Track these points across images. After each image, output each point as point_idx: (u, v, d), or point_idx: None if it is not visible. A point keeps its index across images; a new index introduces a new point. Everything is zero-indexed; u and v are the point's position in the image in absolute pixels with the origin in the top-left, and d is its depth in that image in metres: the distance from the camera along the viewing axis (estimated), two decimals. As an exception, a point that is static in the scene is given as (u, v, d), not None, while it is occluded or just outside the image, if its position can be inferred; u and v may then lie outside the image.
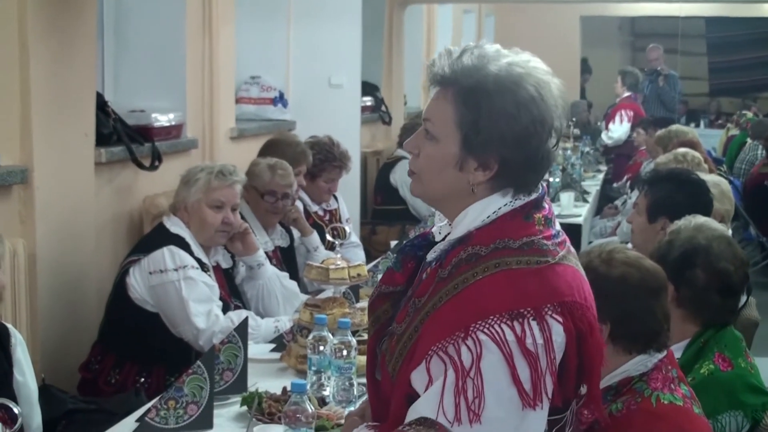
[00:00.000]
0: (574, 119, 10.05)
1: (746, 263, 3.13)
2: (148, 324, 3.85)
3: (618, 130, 10.91)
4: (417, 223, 5.70)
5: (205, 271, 3.91)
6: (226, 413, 2.89)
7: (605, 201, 9.17)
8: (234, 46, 5.73)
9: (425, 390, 1.88)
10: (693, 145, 6.42)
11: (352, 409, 2.67)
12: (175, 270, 3.80)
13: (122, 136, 4.47)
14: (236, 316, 3.82)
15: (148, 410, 2.71)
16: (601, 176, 9.74)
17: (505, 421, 1.84)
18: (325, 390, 2.94)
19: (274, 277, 4.32)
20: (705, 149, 7.42)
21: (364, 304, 3.28)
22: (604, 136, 11.13)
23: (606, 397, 2.45)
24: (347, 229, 4.51)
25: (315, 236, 5.03)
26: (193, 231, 3.97)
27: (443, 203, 2.03)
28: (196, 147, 5.24)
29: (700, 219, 3.20)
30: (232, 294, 4.19)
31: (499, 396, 1.83)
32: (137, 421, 2.77)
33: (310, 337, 3.00)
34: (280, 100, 6.40)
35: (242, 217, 4.27)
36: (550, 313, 1.86)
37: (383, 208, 7.25)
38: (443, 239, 2.04)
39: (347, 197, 6.00)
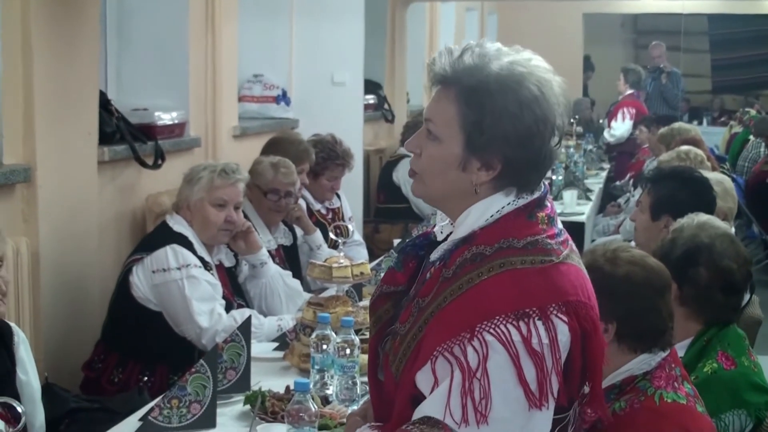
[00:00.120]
0: (576, 117, 10.06)
1: (749, 261, 3.13)
2: (151, 323, 3.85)
3: (620, 127, 10.91)
4: (420, 221, 5.69)
5: (208, 270, 3.91)
6: (229, 412, 2.89)
7: (608, 199, 9.16)
8: (237, 44, 5.73)
9: (431, 391, 1.88)
10: (696, 142, 6.42)
11: (355, 407, 2.67)
12: (178, 269, 3.80)
13: (125, 135, 4.47)
14: (239, 314, 3.82)
15: (151, 409, 2.72)
16: (604, 174, 9.72)
17: (512, 422, 1.84)
18: (328, 389, 2.94)
19: (277, 275, 4.32)
20: (708, 147, 7.42)
21: (367, 302, 3.27)
22: (606, 133, 11.13)
23: (609, 395, 2.45)
24: (350, 227, 4.50)
25: (318, 234, 5.03)
26: (196, 229, 3.97)
27: (445, 203, 2.03)
28: (199, 145, 5.24)
29: (702, 217, 3.19)
30: (235, 293, 4.19)
31: (505, 396, 1.83)
32: (140, 420, 2.76)
33: (313, 335, 2.99)
34: (283, 98, 6.40)
35: (245, 216, 4.27)
36: (555, 312, 1.86)
37: (386, 206, 7.25)
38: (445, 239, 2.04)
39: (350, 195, 6.00)
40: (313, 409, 2.37)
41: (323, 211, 5.48)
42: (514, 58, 1.95)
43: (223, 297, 3.92)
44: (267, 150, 5.13)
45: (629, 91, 11.10)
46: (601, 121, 12.07)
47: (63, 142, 4.01)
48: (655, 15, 15.08)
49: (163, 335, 3.84)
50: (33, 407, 2.92)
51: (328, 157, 5.42)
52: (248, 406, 2.85)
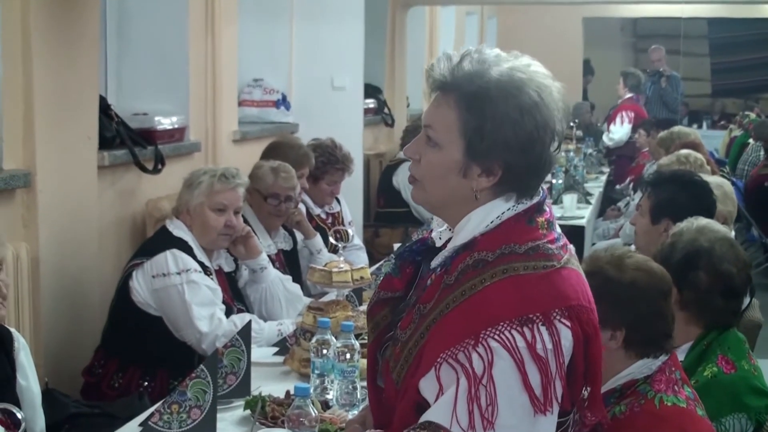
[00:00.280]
0: (576, 121, 10.07)
1: (749, 265, 3.13)
2: (151, 328, 3.85)
3: (618, 131, 10.91)
4: (420, 226, 5.68)
5: (208, 275, 3.91)
6: (229, 417, 2.89)
7: (608, 203, 9.16)
8: (236, 48, 5.73)
9: (436, 398, 1.88)
10: (695, 146, 6.41)
11: (355, 412, 2.67)
12: (178, 273, 3.80)
13: (125, 140, 4.48)
14: (239, 319, 3.82)
15: (152, 414, 2.71)
16: (603, 178, 9.73)
17: (517, 428, 1.85)
18: (328, 393, 2.94)
19: (277, 280, 4.32)
20: (707, 150, 7.42)
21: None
22: (605, 137, 11.13)
23: (609, 399, 2.45)
24: (350, 231, 4.50)
25: (318, 239, 5.03)
26: (196, 234, 3.97)
27: (445, 209, 2.03)
28: (198, 150, 5.24)
29: (702, 221, 3.19)
30: (234, 297, 4.19)
31: (511, 402, 1.84)
32: (140, 425, 2.76)
33: (314, 340, 2.99)
34: (283, 102, 6.40)
35: (245, 221, 4.27)
36: (558, 317, 1.87)
37: (386, 210, 7.25)
38: (444, 245, 2.04)
39: (350, 200, 5.99)
40: (314, 414, 2.37)
41: (323, 216, 5.48)
42: (514, 64, 1.95)
43: (223, 302, 3.92)
44: (267, 154, 5.13)
45: (628, 95, 11.11)
46: (599, 124, 12.07)
47: (63, 147, 4.01)
48: (654, 19, 15.09)
49: (163, 340, 3.84)
50: (33, 413, 2.92)
51: (327, 161, 5.41)
52: (248, 411, 2.84)
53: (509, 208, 1.97)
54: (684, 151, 5.79)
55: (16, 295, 3.68)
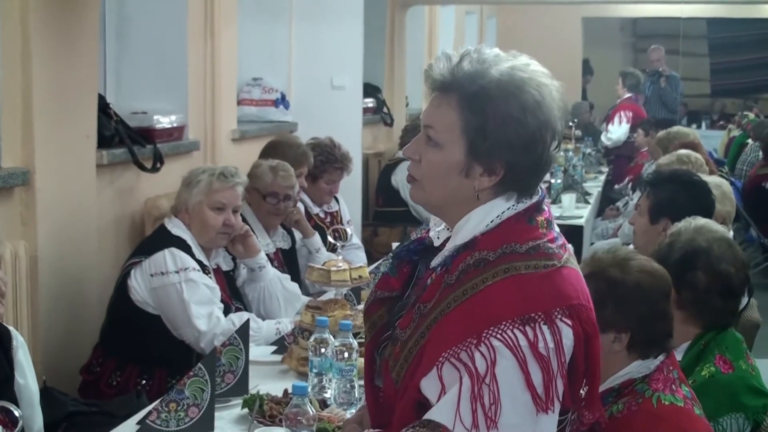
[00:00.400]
0: (575, 120, 10.06)
1: (747, 265, 3.13)
2: (150, 326, 3.85)
3: (617, 131, 10.92)
4: (418, 225, 5.69)
5: (206, 273, 3.91)
6: (227, 416, 2.89)
7: (607, 202, 9.17)
8: (236, 47, 5.73)
9: (438, 397, 1.88)
10: (694, 146, 6.41)
11: (353, 411, 2.67)
12: (177, 272, 3.80)
13: (124, 138, 4.48)
14: (237, 318, 3.82)
15: (149, 413, 2.71)
16: (602, 177, 9.73)
17: (520, 427, 1.85)
18: (326, 392, 2.94)
19: (275, 279, 4.32)
20: (706, 150, 7.42)
21: (366, 305, 3.27)
22: (603, 137, 11.14)
23: (607, 398, 2.46)
24: (348, 230, 4.50)
25: (317, 238, 5.03)
26: (194, 233, 3.97)
27: (445, 209, 2.03)
28: (197, 149, 5.24)
29: (700, 221, 3.19)
30: (233, 296, 4.19)
31: (514, 401, 1.84)
32: (138, 423, 2.76)
33: (312, 339, 3.00)
34: (282, 101, 6.40)
35: (244, 219, 4.27)
36: (559, 316, 1.88)
37: (385, 209, 7.25)
38: (441, 244, 2.04)
39: (349, 199, 6.00)
40: (311, 413, 2.37)
41: (322, 215, 5.48)
42: (514, 63, 1.95)
43: (221, 300, 3.92)
44: (266, 153, 5.13)
45: (627, 95, 11.11)
46: (596, 124, 12.08)
47: (62, 146, 4.01)
48: (654, 19, 15.10)
49: (161, 339, 3.84)
50: (31, 411, 2.92)
51: (326, 160, 5.42)
52: (246, 410, 2.84)
53: (509, 208, 1.97)
54: (685, 151, 5.78)
55: (14, 293, 3.68)
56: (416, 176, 2.02)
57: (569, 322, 1.88)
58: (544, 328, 1.86)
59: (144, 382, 3.84)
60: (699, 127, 14.06)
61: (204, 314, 3.79)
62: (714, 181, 4.63)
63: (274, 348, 3.65)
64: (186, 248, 3.88)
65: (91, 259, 4.25)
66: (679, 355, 2.83)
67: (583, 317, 1.91)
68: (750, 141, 10.65)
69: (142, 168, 4.55)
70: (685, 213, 3.40)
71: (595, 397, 2.01)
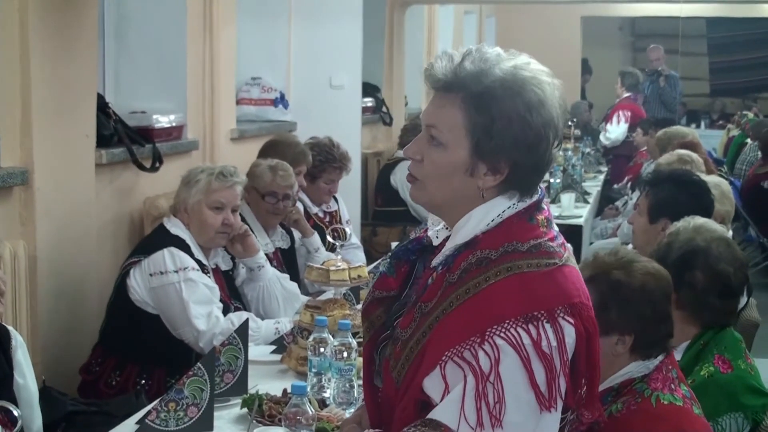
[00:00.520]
0: (574, 120, 10.06)
1: (745, 265, 3.13)
2: (149, 326, 3.85)
3: (615, 131, 10.92)
4: (417, 224, 5.69)
5: (205, 273, 3.91)
6: (226, 415, 2.89)
7: (606, 202, 9.17)
8: (235, 47, 5.73)
9: (442, 396, 1.88)
10: (693, 146, 6.41)
11: (352, 410, 2.67)
12: (176, 272, 3.80)
13: (123, 138, 4.47)
14: (237, 317, 3.82)
15: (149, 412, 2.72)
16: (601, 177, 9.73)
17: (524, 425, 1.86)
18: (325, 392, 2.94)
19: (274, 278, 4.32)
20: (705, 150, 7.42)
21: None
22: (601, 137, 11.14)
23: (606, 398, 2.46)
24: (348, 230, 4.50)
25: (316, 237, 5.03)
26: (194, 232, 3.97)
27: (446, 209, 2.02)
28: (196, 148, 5.24)
29: (699, 220, 3.20)
30: (232, 296, 4.19)
31: (518, 400, 1.85)
32: (137, 423, 2.77)
33: (311, 338, 3.00)
34: (281, 101, 6.40)
35: (243, 219, 4.27)
36: (562, 315, 1.88)
37: (384, 209, 7.25)
38: (440, 243, 2.04)
39: (348, 198, 5.99)
40: (311, 413, 2.37)
41: (321, 214, 5.48)
42: (516, 63, 1.96)
43: (221, 300, 3.92)
44: (263, 153, 5.13)
45: (626, 95, 11.11)
46: (594, 123, 12.08)
47: (61, 145, 4.01)
48: (653, 18, 15.09)
49: (160, 338, 3.84)
50: (30, 411, 2.92)
51: (325, 160, 5.42)
52: (245, 410, 2.84)
53: (510, 207, 1.97)
54: (685, 151, 5.78)
55: (13, 292, 3.68)
56: (418, 176, 2.01)
57: (571, 320, 1.89)
58: (547, 326, 1.86)
59: (143, 381, 3.84)
60: (698, 126, 14.07)
61: (203, 314, 3.79)
62: (713, 180, 4.64)
63: (273, 347, 3.65)
64: (185, 248, 3.88)
65: (90, 259, 4.25)
66: (677, 355, 2.83)
67: (584, 315, 1.92)
68: (749, 140, 10.65)
69: (141, 167, 4.55)
70: (684, 212, 3.40)
71: (594, 396, 2.01)
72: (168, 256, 3.82)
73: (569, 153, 8.52)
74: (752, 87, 16.56)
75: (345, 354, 2.87)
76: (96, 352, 3.97)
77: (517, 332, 1.85)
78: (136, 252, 3.97)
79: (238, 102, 6.15)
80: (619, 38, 17.11)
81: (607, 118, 11.20)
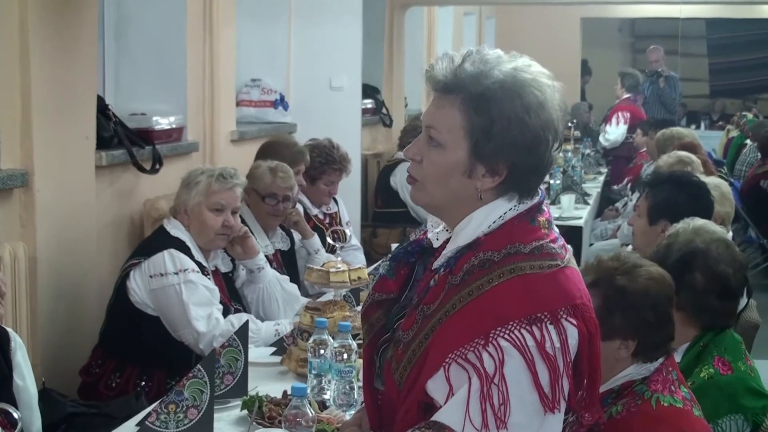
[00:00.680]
0: (574, 121, 10.06)
1: (745, 266, 3.13)
2: (149, 327, 3.85)
3: (614, 132, 10.92)
4: (417, 226, 5.69)
5: (205, 275, 3.91)
6: (226, 417, 2.89)
7: (606, 203, 9.16)
8: (234, 48, 5.73)
9: (446, 398, 1.89)
10: (693, 147, 6.40)
11: (353, 412, 2.67)
12: (176, 273, 3.80)
13: (123, 139, 4.47)
14: (237, 319, 3.82)
15: (149, 414, 2.71)
16: (601, 178, 9.73)
17: (528, 426, 1.86)
18: (325, 394, 2.94)
19: (274, 280, 4.32)
20: (705, 151, 7.41)
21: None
22: (601, 138, 11.14)
23: (606, 399, 2.46)
24: (347, 231, 4.50)
25: (316, 239, 5.03)
26: (193, 234, 3.97)
27: (446, 210, 2.03)
28: (196, 150, 5.24)
29: (698, 222, 3.19)
30: (232, 298, 4.19)
31: (522, 401, 1.85)
32: (137, 425, 2.76)
33: (311, 340, 2.99)
34: (281, 102, 6.40)
35: (242, 221, 4.27)
36: (564, 316, 1.89)
37: (384, 210, 7.25)
38: (441, 245, 2.04)
39: (348, 200, 5.99)
40: (311, 414, 2.37)
41: (321, 216, 5.48)
42: (516, 64, 1.96)
43: (220, 302, 3.92)
44: (261, 154, 5.13)
45: (626, 96, 11.11)
46: (593, 125, 12.07)
47: (61, 147, 4.01)
48: (652, 19, 15.10)
49: (160, 340, 3.84)
50: (30, 413, 2.92)
51: (325, 161, 5.41)
52: (245, 411, 2.84)
53: (511, 208, 1.98)
54: (685, 152, 5.78)
55: (13, 294, 3.68)
56: (417, 177, 2.02)
57: (574, 322, 1.89)
58: (551, 327, 1.87)
59: (143, 383, 3.84)
60: (698, 127, 14.08)
61: (203, 315, 3.79)
62: (713, 181, 4.63)
63: (273, 349, 3.65)
64: (185, 249, 3.88)
65: (90, 261, 4.25)
66: (677, 357, 2.83)
67: (586, 316, 1.92)
68: (749, 141, 10.65)
69: (141, 169, 4.55)
70: (683, 214, 3.40)
71: (594, 398, 2.01)
72: (168, 258, 3.82)
73: (569, 154, 8.52)
74: (752, 88, 16.57)
75: (345, 356, 2.87)
76: (96, 353, 3.96)
77: (521, 334, 1.85)
78: (136, 254, 3.97)
79: (238, 104, 6.16)
80: (619, 39, 17.12)
81: (607, 119, 11.20)
